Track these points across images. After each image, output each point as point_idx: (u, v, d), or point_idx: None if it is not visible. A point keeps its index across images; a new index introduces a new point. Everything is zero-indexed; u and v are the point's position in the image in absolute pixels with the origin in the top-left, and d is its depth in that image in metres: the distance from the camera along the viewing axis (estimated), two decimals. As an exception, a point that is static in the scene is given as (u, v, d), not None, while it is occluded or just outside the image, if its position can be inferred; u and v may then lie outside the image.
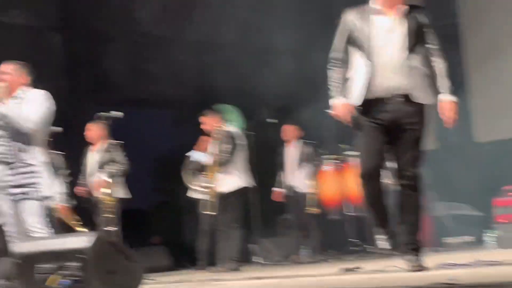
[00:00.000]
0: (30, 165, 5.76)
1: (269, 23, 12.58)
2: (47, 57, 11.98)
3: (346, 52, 5.14)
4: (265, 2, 12.44)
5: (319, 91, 12.65)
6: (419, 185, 5.09)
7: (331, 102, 5.09)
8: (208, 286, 5.20)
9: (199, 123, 10.12)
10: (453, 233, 10.05)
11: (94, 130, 8.88)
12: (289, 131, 10.08)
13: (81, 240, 4.73)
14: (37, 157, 5.82)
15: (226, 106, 10.39)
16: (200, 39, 13.35)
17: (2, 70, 5.96)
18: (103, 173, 8.64)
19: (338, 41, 5.19)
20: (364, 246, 9.67)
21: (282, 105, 11.31)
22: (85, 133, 8.96)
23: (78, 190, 8.82)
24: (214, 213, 8.94)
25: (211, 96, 11.16)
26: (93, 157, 8.95)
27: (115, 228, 8.56)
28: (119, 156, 8.79)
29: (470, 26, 10.80)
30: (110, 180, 8.53)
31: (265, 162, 10.17)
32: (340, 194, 9.80)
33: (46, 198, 6.00)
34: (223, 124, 8.97)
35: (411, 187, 5.05)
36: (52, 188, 6.69)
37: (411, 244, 5.00)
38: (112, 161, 8.69)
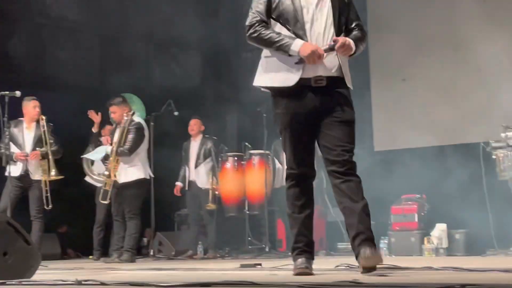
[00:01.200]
0: None
1: (176, 16, 12.51)
2: None
3: (268, 18, 4.59)
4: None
5: (224, 86, 12.77)
6: (354, 171, 4.50)
7: (293, 48, 4.41)
8: (103, 274, 5.05)
9: (100, 111, 9.95)
10: (346, 239, 10.16)
11: (28, 108, 8.66)
12: (194, 125, 10.00)
13: (-25, 218, 4.52)
14: None
15: (131, 96, 10.26)
16: (107, 29, 13.13)
17: None
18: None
19: (257, 8, 4.60)
20: (263, 245, 9.68)
21: (188, 99, 11.22)
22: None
23: (19, 156, 8.53)
24: (110, 202, 8.83)
25: (114, 86, 10.98)
26: (28, 135, 8.73)
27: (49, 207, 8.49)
28: (52, 136, 8.69)
29: (375, 40, 10.96)
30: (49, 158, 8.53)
31: (168, 155, 10.06)
32: (240, 191, 9.77)
33: None
34: (132, 114, 8.82)
35: (345, 173, 4.46)
36: None
37: (361, 234, 4.40)
38: (45, 141, 8.54)
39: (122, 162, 8.68)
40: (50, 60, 12.73)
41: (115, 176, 8.63)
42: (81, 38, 13.25)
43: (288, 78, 4.50)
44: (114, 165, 8.62)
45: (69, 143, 9.53)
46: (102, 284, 3.78)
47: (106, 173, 8.69)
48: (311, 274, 4.46)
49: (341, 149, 4.47)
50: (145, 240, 11.17)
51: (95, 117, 9.83)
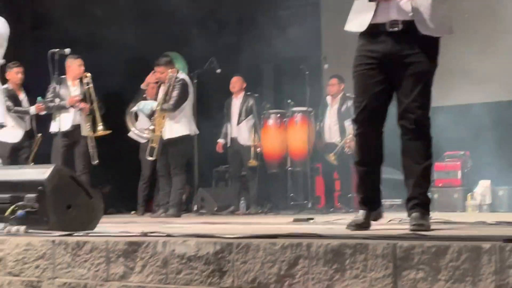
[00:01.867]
0: None
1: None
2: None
3: None
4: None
5: (265, 43, 12.74)
6: (425, 130, 4.34)
7: None
8: (159, 228, 5.14)
9: (138, 69, 10.02)
10: (386, 196, 10.18)
11: (74, 66, 8.86)
12: (236, 82, 10.04)
13: (39, 171, 4.62)
14: None
15: (176, 55, 10.26)
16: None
17: None
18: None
19: None
20: (305, 202, 9.78)
21: (228, 57, 11.23)
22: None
23: (74, 99, 8.77)
24: (156, 159, 8.91)
25: (153, 44, 11.03)
26: (74, 92, 8.95)
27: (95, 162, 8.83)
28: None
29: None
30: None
31: (211, 112, 10.14)
32: (282, 148, 9.82)
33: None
34: (176, 72, 8.85)
35: (413, 131, 4.30)
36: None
37: (414, 199, 4.33)
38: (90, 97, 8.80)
39: (167, 118, 8.73)
40: (89, 17, 12.79)
41: (160, 132, 8.70)
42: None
43: (361, 22, 4.39)
44: (160, 121, 8.68)
45: (110, 100, 9.64)
46: (168, 235, 3.85)
47: (151, 127, 8.75)
48: (367, 227, 4.47)
49: (412, 105, 4.30)
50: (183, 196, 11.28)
51: (151, 76, 9.79)
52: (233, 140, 9.98)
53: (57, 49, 8.11)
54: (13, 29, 6.01)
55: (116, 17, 12.77)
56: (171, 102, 8.69)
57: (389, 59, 4.36)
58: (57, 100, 8.57)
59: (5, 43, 5.83)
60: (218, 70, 10.07)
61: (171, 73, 8.78)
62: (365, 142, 4.47)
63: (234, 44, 13.03)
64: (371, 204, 4.58)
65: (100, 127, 8.80)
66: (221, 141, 10.13)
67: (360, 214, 4.53)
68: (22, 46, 11.43)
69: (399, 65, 4.34)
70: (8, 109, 8.31)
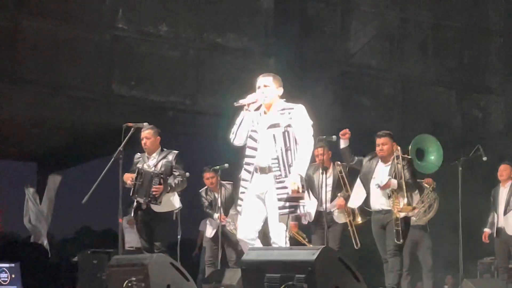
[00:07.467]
0: None
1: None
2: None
3: None
4: None
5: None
6: None
7: None
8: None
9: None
10: None
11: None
12: (505, 171, 9.70)
13: (309, 252, 4.75)
14: None
15: (427, 136, 9.92)
16: (408, 75, 13.30)
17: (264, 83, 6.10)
18: None
19: None
20: None
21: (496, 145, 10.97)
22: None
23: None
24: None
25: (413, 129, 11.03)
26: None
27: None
28: None
29: None
30: None
31: (475, 200, 9.91)
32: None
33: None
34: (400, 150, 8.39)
35: None
36: None
37: None
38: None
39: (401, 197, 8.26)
40: (354, 105, 13.15)
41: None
42: (382, 85, 13.55)
43: None
44: (397, 201, 8.25)
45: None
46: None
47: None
48: None
49: None
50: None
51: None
52: (500, 230, 9.59)
53: (324, 136, 8.32)
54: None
55: (380, 105, 12.99)
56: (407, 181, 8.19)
57: None
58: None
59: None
60: (484, 158, 9.78)
61: (396, 152, 8.34)
62: None
63: (500, 132, 12.71)
64: None
65: None
66: (487, 230, 9.78)
67: None
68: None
69: None
70: None
